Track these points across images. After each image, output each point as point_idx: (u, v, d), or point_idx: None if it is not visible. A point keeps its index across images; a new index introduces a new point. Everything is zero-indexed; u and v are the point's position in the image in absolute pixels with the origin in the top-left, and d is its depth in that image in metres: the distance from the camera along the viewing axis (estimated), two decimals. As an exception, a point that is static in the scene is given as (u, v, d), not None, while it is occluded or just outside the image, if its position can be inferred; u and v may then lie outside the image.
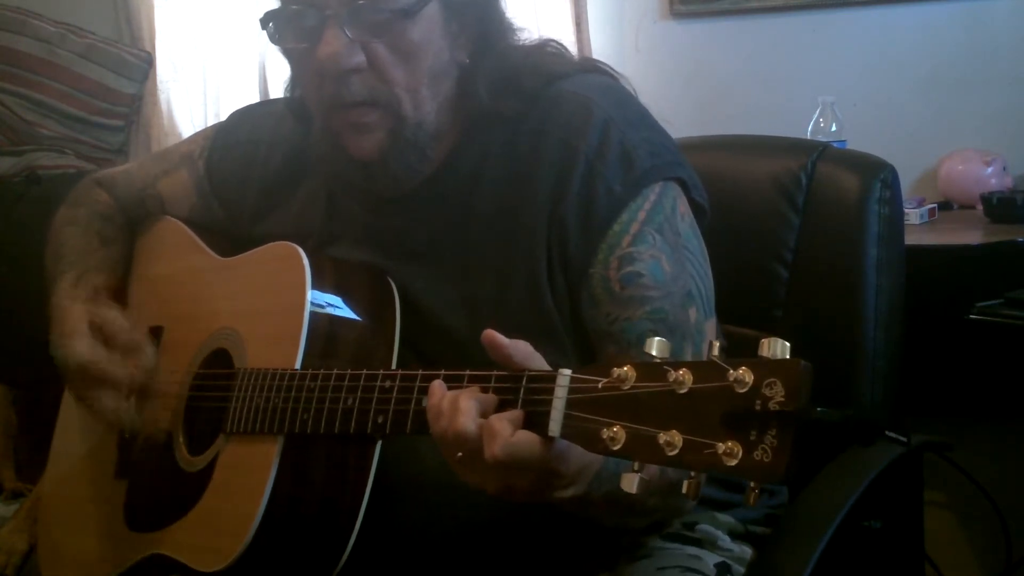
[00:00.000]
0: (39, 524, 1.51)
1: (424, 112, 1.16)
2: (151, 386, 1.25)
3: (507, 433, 0.89)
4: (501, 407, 0.93)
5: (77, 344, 1.24)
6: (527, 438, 0.89)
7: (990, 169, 2.40)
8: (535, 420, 0.90)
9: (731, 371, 0.78)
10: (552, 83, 1.21)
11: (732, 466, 0.77)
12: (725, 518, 1.29)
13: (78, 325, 1.26)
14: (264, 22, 1.17)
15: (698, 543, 1.25)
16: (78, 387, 1.25)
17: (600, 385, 0.85)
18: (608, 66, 1.27)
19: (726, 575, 1.22)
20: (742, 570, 1.25)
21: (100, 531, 1.34)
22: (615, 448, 0.83)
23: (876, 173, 1.44)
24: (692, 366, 0.81)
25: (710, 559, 1.22)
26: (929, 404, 1.80)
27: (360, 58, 1.12)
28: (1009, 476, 2.28)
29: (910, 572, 1.76)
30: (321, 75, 1.13)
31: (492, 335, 0.93)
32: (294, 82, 1.26)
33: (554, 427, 0.88)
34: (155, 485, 1.27)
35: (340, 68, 1.11)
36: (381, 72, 1.13)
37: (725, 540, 1.27)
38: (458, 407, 0.92)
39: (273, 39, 1.19)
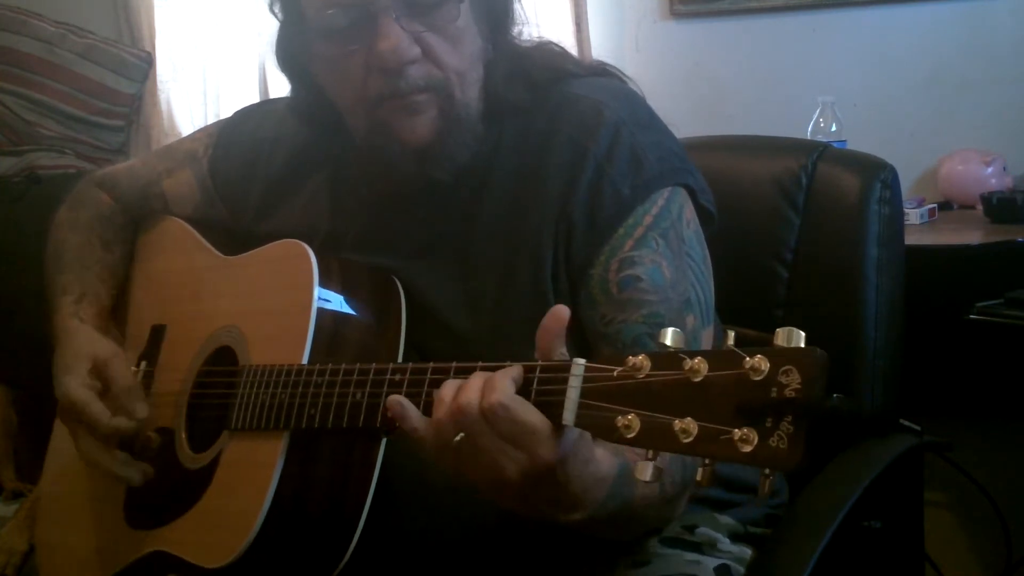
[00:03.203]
0: (38, 521, 1.51)
1: (470, 96, 1.16)
2: (133, 433, 1.26)
3: (509, 389, 0.89)
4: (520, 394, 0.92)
5: (71, 381, 1.25)
6: (524, 402, 0.89)
7: (990, 169, 2.40)
8: (549, 409, 0.89)
9: (747, 359, 0.78)
10: (563, 80, 1.21)
11: (747, 452, 0.77)
12: (725, 519, 1.29)
13: (78, 363, 1.27)
14: (288, 50, 1.20)
15: (698, 548, 1.24)
16: (64, 419, 1.28)
17: (615, 374, 0.85)
18: (617, 69, 1.27)
19: None
20: (742, 570, 1.25)
21: (100, 528, 1.34)
22: (630, 436, 0.83)
23: (876, 173, 1.45)
24: (707, 354, 0.81)
25: (710, 563, 1.22)
26: (929, 404, 1.80)
27: (416, 49, 1.12)
28: (1009, 476, 2.28)
29: (910, 572, 1.76)
30: (370, 70, 1.12)
31: (564, 312, 0.93)
32: (300, 88, 1.25)
33: (568, 416, 0.88)
34: (156, 482, 1.27)
35: (401, 61, 1.11)
36: (435, 59, 1.13)
37: (725, 543, 1.26)
38: (466, 385, 0.92)
39: (291, 65, 1.21)
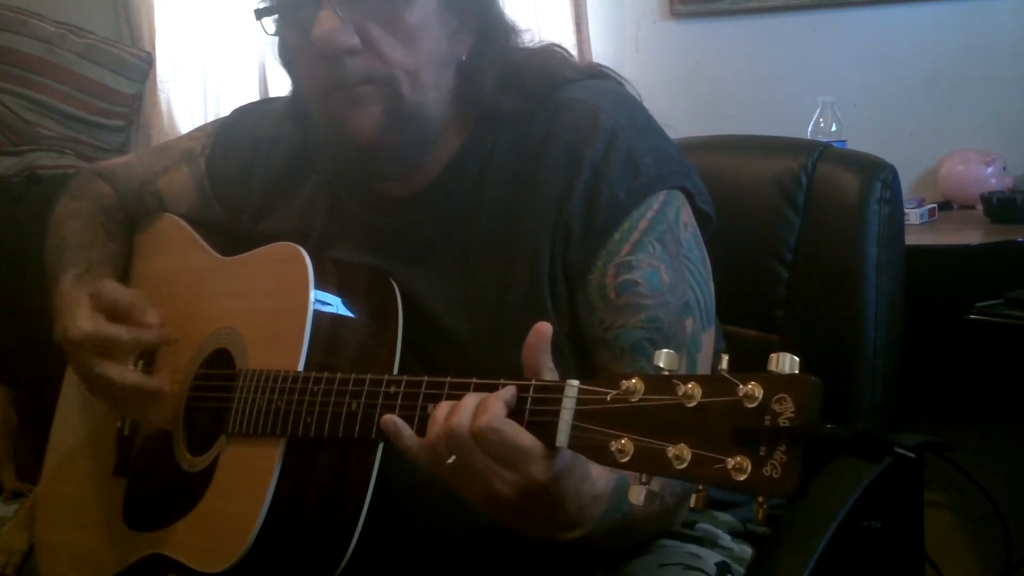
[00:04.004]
0: (37, 521, 1.51)
1: (425, 97, 1.15)
2: (159, 343, 1.26)
3: (500, 412, 0.89)
4: (513, 415, 0.92)
5: (78, 318, 1.24)
6: (515, 426, 0.89)
7: (990, 169, 2.40)
8: (542, 430, 0.90)
9: (741, 386, 0.78)
10: (559, 87, 1.21)
11: (741, 481, 0.77)
12: (725, 517, 1.29)
13: (79, 303, 1.26)
14: (259, 14, 1.18)
15: (698, 541, 1.25)
16: (81, 363, 1.25)
17: (609, 397, 0.85)
18: (615, 72, 1.27)
19: (726, 575, 1.22)
20: (742, 570, 1.25)
21: (99, 529, 1.34)
22: (623, 460, 0.83)
23: (876, 173, 1.44)
24: (701, 380, 0.81)
25: (711, 557, 1.22)
26: (929, 404, 1.80)
27: (354, 40, 1.11)
28: (1009, 476, 2.28)
29: (910, 572, 1.75)
30: (316, 58, 1.13)
31: (546, 329, 0.93)
32: (294, 83, 1.26)
33: (561, 438, 0.88)
34: (155, 484, 1.27)
35: (334, 48, 1.11)
36: (378, 52, 1.12)
37: (725, 539, 1.27)
38: (459, 406, 0.92)
39: (270, 28, 1.19)
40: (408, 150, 1.17)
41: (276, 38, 1.22)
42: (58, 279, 1.34)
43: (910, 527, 1.64)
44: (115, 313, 1.24)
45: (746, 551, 1.28)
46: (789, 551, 1.20)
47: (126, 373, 1.23)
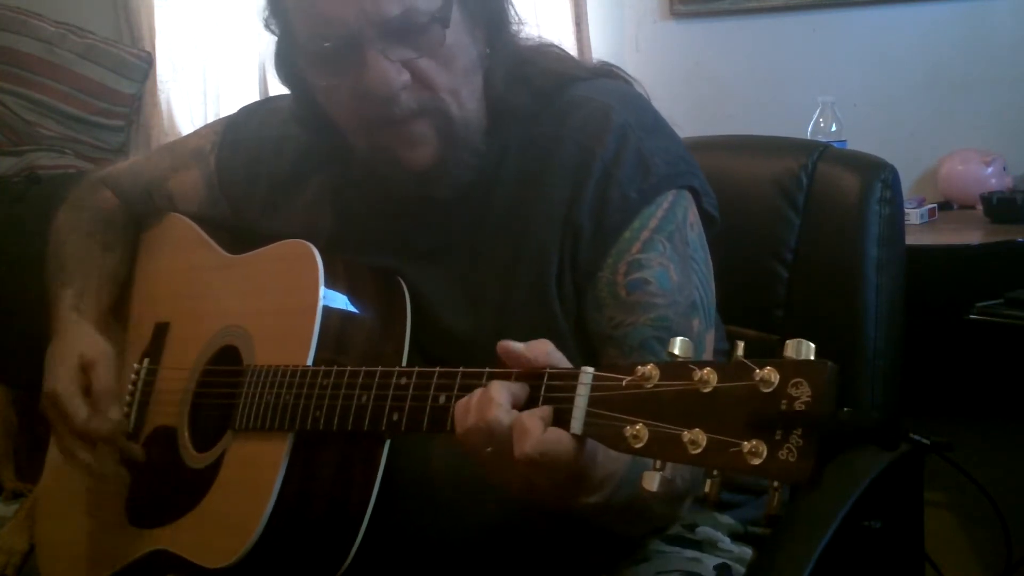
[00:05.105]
0: (38, 520, 1.51)
1: (468, 110, 1.16)
2: (109, 438, 1.27)
3: (538, 430, 0.88)
4: (528, 402, 0.91)
5: (61, 373, 1.28)
6: (557, 436, 0.88)
7: (990, 169, 2.40)
8: (557, 418, 0.89)
9: (757, 371, 0.78)
10: (567, 86, 1.21)
11: (756, 465, 0.76)
12: (725, 519, 1.29)
13: (69, 357, 1.29)
14: (286, 65, 1.19)
15: (698, 545, 1.25)
16: (46, 409, 1.29)
17: (623, 383, 0.85)
18: (622, 70, 1.27)
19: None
20: (742, 570, 1.25)
21: (101, 526, 1.34)
22: (638, 446, 0.83)
23: (876, 173, 1.45)
24: (717, 365, 0.81)
25: (710, 561, 1.22)
26: (929, 404, 1.80)
27: (406, 76, 1.11)
28: (1009, 476, 2.28)
29: (910, 572, 1.76)
30: (364, 98, 1.12)
31: (506, 345, 0.92)
32: (306, 105, 1.24)
33: (576, 425, 0.88)
34: (159, 481, 1.27)
35: (390, 90, 1.10)
36: (426, 82, 1.12)
37: (725, 542, 1.27)
38: (490, 397, 0.91)
39: (290, 79, 1.21)
40: (464, 166, 1.17)
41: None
42: (56, 296, 1.37)
43: (910, 527, 1.64)
44: (89, 392, 1.27)
45: (746, 553, 1.28)
46: (789, 551, 1.20)
47: (75, 446, 1.26)
